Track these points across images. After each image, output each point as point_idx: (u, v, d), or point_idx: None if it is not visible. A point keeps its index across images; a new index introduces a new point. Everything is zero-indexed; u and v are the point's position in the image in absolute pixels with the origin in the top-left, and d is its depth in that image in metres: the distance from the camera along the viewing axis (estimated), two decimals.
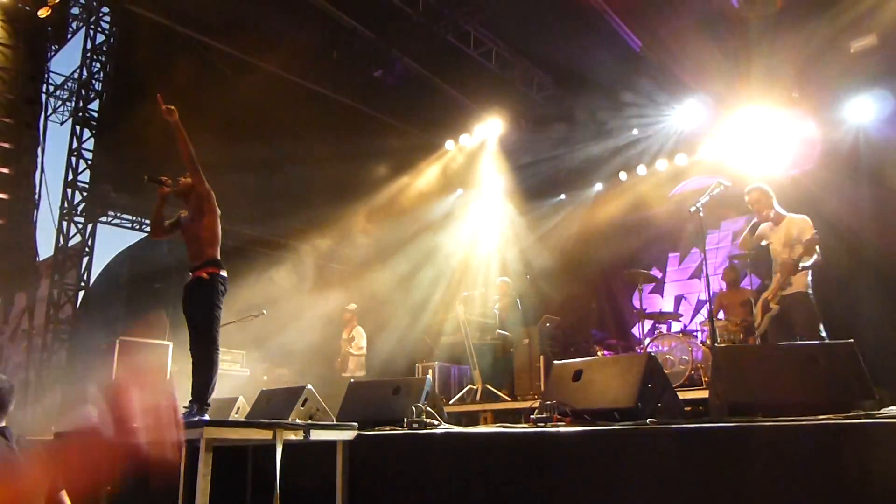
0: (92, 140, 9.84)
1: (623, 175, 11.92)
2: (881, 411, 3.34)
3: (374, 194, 12.20)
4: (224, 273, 4.88)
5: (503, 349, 8.93)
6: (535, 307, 10.22)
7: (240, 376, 9.28)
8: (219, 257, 4.91)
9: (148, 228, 10.46)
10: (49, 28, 9.09)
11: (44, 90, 9.25)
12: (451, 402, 8.21)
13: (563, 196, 12.80)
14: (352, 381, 7.50)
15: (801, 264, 5.74)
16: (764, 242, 6.11)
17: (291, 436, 3.96)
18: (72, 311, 9.65)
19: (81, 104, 9.91)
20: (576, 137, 11.55)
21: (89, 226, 9.83)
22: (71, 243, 9.73)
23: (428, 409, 4.64)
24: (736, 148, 10.11)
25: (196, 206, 4.96)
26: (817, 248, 5.74)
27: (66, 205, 9.65)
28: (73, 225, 9.70)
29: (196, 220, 4.94)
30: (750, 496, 2.84)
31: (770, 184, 6.40)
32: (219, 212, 4.98)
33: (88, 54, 10.01)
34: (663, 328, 8.79)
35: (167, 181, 5.09)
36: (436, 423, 4.58)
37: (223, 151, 9.52)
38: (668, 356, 7.59)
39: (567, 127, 11.51)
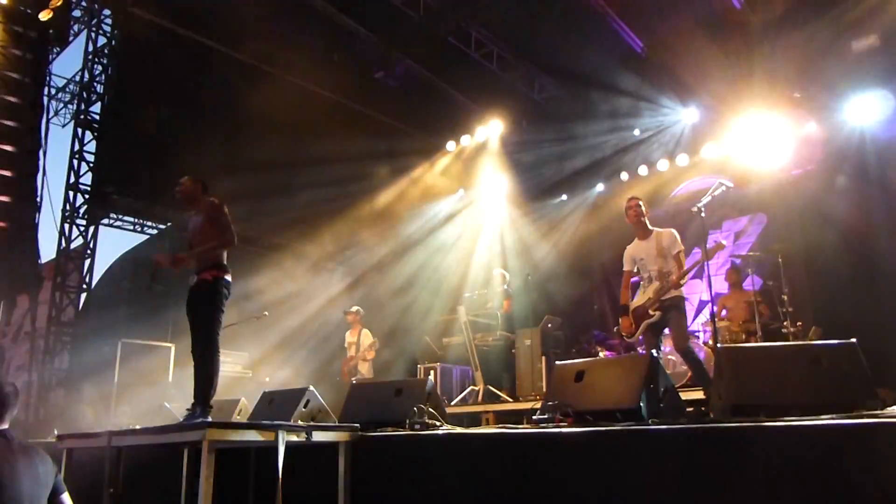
0: (94, 142, 9.86)
1: (625, 175, 11.91)
2: (884, 411, 3.34)
3: (376, 195, 12.19)
4: (228, 277, 4.86)
5: (505, 350, 8.93)
6: (537, 308, 10.22)
7: (242, 378, 9.29)
8: (224, 261, 4.90)
9: (150, 230, 10.51)
10: (51, 31, 9.09)
11: (45, 93, 9.24)
12: (452, 404, 8.20)
13: (564, 197, 12.79)
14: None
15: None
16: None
17: (294, 437, 3.97)
18: (74, 313, 9.67)
19: (83, 107, 9.94)
20: (577, 138, 11.54)
21: (91, 228, 9.86)
22: (73, 246, 9.75)
23: (430, 410, 4.64)
24: (738, 148, 10.11)
25: (208, 214, 4.91)
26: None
27: (67, 207, 9.68)
28: (74, 227, 9.73)
29: (204, 226, 4.91)
30: (753, 497, 2.83)
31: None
32: (232, 236, 4.86)
33: (90, 57, 10.04)
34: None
35: (161, 262, 4.99)
36: (438, 424, 4.58)
37: (223, 153, 9.56)
38: (669, 356, 7.59)
39: (568, 127, 11.49)
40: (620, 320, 6.39)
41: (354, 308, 9.79)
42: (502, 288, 9.50)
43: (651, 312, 6.06)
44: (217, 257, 4.86)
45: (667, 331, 6.21)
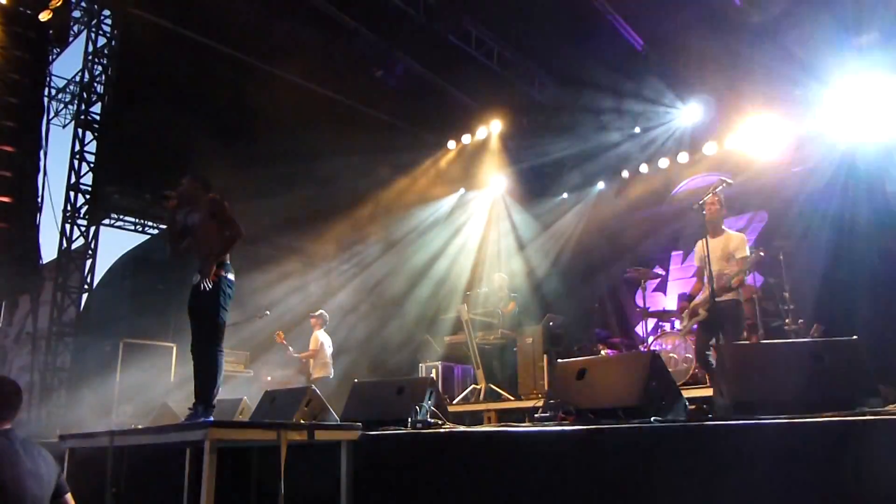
0: (94, 143, 9.87)
1: (626, 173, 11.92)
2: (886, 409, 3.34)
3: (377, 194, 12.20)
4: (231, 276, 4.85)
5: (507, 348, 8.93)
6: (538, 306, 10.23)
7: (244, 377, 9.30)
8: (228, 260, 4.88)
9: (150, 230, 10.50)
10: (50, 31, 9.08)
11: (45, 93, 9.23)
12: (454, 402, 8.21)
13: (565, 195, 12.80)
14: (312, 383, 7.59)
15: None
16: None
17: (296, 436, 3.97)
18: (75, 313, 9.67)
19: (83, 107, 9.94)
20: (578, 136, 11.54)
21: (92, 228, 9.87)
22: (74, 246, 9.75)
23: (432, 408, 4.65)
24: (738, 146, 10.11)
25: (209, 211, 4.90)
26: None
27: (68, 208, 9.68)
28: (75, 228, 9.73)
29: (206, 224, 4.89)
30: (754, 494, 2.83)
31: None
32: (239, 230, 4.85)
33: (90, 57, 10.04)
34: (666, 326, 8.78)
35: (171, 195, 4.98)
36: (439, 422, 4.59)
37: (223, 152, 9.54)
38: (671, 354, 7.59)
39: (568, 126, 11.49)
40: (682, 303, 6.68)
41: (318, 312, 9.73)
42: (505, 292, 9.51)
43: (700, 311, 6.22)
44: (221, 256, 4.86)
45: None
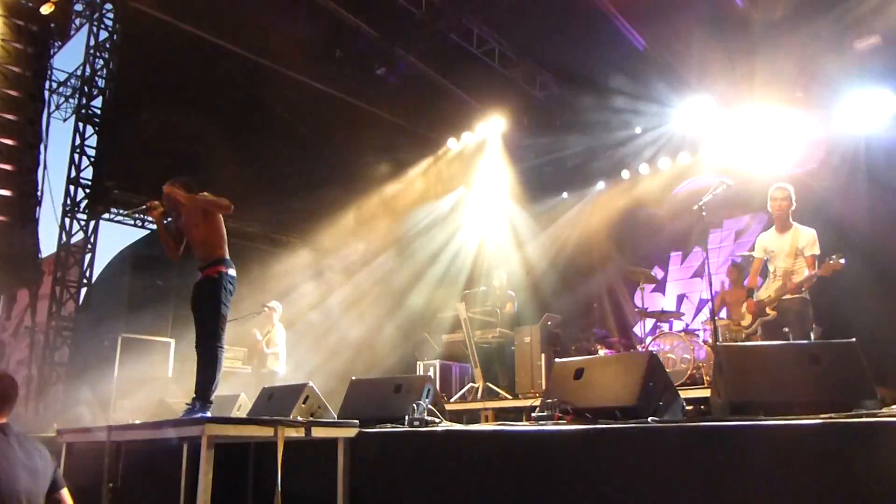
0: (95, 137, 9.84)
1: (625, 173, 11.92)
2: (883, 410, 3.34)
3: (377, 192, 12.19)
4: (232, 272, 4.87)
5: (505, 347, 8.93)
6: (537, 305, 10.23)
7: (241, 373, 9.29)
8: (227, 256, 4.90)
9: (150, 226, 10.47)
10: (52, 25, 9.08)
11: (46, 87, 9.23)
12: (452, 400, 8.21)
13: (565, 194, 12.80)
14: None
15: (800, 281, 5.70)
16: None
17: (293, 433, 3.96)
18: (74, 308, 9.67)
19: (84, 101, 9.92)
20: (578, 135, 11.54)
21: (92, 223, 9.85)
22: (73, 240, 9.74)
23: (429, 407, 4.64)
24: (739, 147, 10.10)
25: (197, 212, 4.92)
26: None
27: (68, 202, 9.67)
28: (75, 222, 9.72)
29: (199, 223, 4.90)
30: (752, 495, 2.83)
31: (773, 182, 6.38)
32: (227, 203, 4.81)
33: (91, 51, 10.01)
34: (665, 327, 8.79)
35: (153, 204, 5.04)
36: (437, 421, 4.58)
37: (224, 147, 9.55)
38: (669, 355, 7.59)
39: (569, 125, 11.49)
40: (745, 303, 6.26)
41: (272, 303, 9.58)
42: (503, 292, 9.50)
43: (768, 311, 5.85)
44: (221, 253, 4.87)
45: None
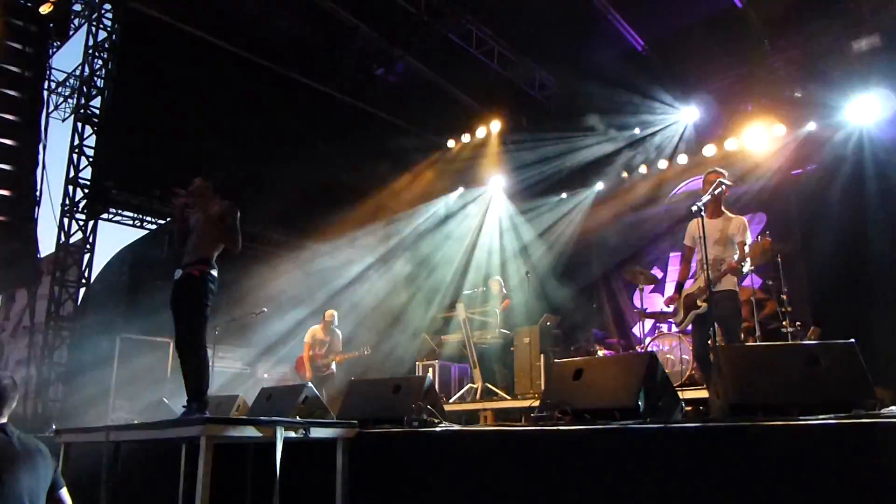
0: (94, 137, 9.84)
1: (625, 174, 11.92)
2: (882, 411, 3.34)
3: (376, 193, 12.19)
4: (215, 272, 4.78)
5: (504, 348, 8.93)
6: (536, 306, 10.23)
7: (240, 374, 9.29)
8: (214, 257, 4.83)
9: (149, 226, 10.48)
10: (51, 25, 9.06)
11: (45, 87, 9.21)
12: (451, 401, 8.21)
13: (564, 195, 12.79)
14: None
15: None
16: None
17: (292, 433, 3.96)
18: (73, 308, 9.66)
19: (83, 101, 9.92)
20: (577, 136, 11.53)
21: (90, 223, 9.84)
22: (72, 240, 9.73)
23: (428, 407, 4.64)
24: (738, 148, 10.11)
25: (218, 214, 4.86)
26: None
27: (67, 202, 9.66)
28: (74, 222, 9.71)
29: (209, 225, 4.84)
30: (749, 495, 2.83)
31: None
32: (237, 243, 4.84)
33: (90, 51, 10.01)
34: (664, 328, 8.79)
35: (181, 192, 4.91)
36: (435, 421, 4.58)
37: (224, 147, 9.54)
38: (668, 356, 7.60)
39: (568, 126, 11.49)
40: (671, 295, 5.89)
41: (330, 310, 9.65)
42: (502, 293, 9.50)
43: (699, 303, 5.48)
44: (208, 254, 4.81)
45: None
